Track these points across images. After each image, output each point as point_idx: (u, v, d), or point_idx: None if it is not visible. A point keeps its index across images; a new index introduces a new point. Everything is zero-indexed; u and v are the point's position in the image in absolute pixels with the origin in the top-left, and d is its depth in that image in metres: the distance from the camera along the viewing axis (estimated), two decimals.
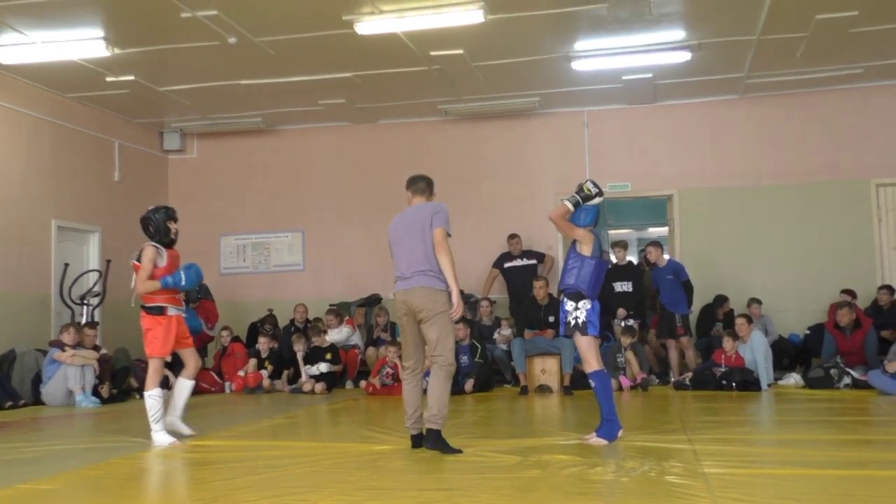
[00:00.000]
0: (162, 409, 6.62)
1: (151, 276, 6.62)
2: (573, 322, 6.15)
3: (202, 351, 12.52)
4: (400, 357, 11.13)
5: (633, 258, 13.16)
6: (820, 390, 9.83)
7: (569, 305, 6.19)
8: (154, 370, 6.64)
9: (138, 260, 6.70)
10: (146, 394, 6.60)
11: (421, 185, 6.17)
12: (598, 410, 6.22)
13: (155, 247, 6.74)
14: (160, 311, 6.65)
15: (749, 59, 10.70)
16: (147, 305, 6.68)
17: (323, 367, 11.15)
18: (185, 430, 6.86)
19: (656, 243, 11.43)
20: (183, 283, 6.71)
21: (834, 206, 12.09)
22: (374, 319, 12.38)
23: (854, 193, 12.07)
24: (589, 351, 6.20)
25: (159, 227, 6.79)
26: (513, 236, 12.29)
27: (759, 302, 11.56)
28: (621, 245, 11.89)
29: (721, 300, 11.82)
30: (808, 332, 11.46)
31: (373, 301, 12.80)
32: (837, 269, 11.85)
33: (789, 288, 12.06)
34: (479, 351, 10.66)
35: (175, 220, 6.92)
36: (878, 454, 5.62)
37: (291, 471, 5.26)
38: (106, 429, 7.71)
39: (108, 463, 5.65)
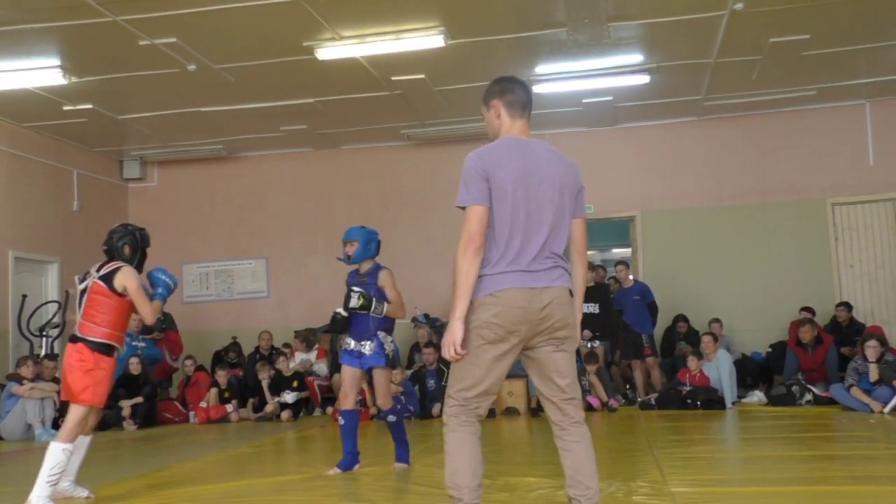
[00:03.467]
0: (64, 470, 5.10)
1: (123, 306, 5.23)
2: (392, 355, 6.18)
3: (167, 382, 12.37)
4: (368, 383, 11.15)
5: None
6: (782, 407, 9.94)
7: (385, 338, 6.17)
8: (79, 419, 5.08)
9: (105, 280, 5.20)
10: (58, 445, 4.98)
11: (529, 98, 3.77)
12: None
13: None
14: (110, 350, 5.22)
15: (706, 81, 10.88)
16: (93, 340, 5.17)
17: (290, 398, 11.05)
18: (83, 492, 5.50)
19: (625, 263, 11.64)
20: (172, 286, 5.54)
21: (792, 226, 12.28)
22: (339, 345, 12.31)
23: (811, 213, 12.27)
24: (389, 386, 6.22)
25: (137, 247, 5.45)
26: None
27: (719, 322, 11.68)
28: (588, 267, 11.97)
29: (678, 318, 11.94)
30: (769, 349, 11.60)
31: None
32: (796, 288, 12.01)
33: (750, 306, 12.20)
34: (446, 375, 10.62)
35: (149, 245, 5.62)
36: (841, 469, 5.68)
37: (261, 500, 5.19)
38: None
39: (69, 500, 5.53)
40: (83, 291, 5.30)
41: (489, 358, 3.44)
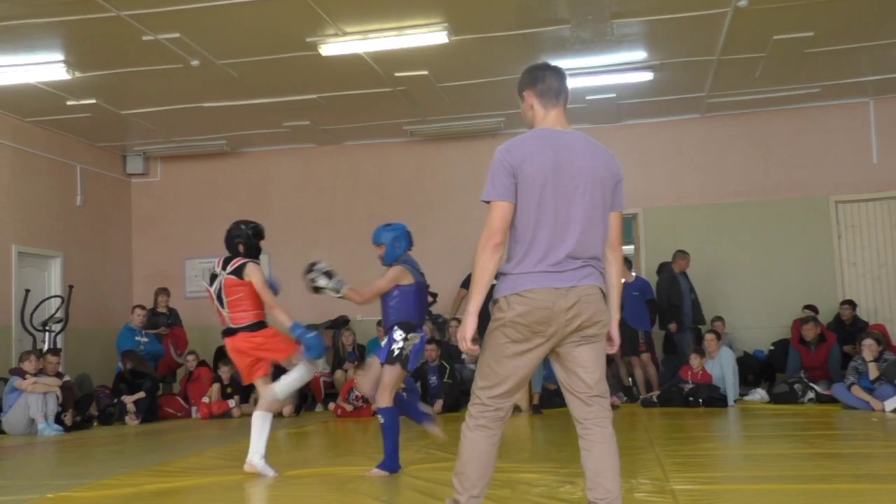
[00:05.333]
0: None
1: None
2: (397, 352, 5.87)
3: (171, 377, 12.40)
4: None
5: None
6: (784, 405, 9.94)
7: (397, 335, 5.91)
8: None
9: (236, 274, 5.97)
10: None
11: (563, 85, 3.64)
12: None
13: (257, 263, 6.08)
14: (263, 325, 6.12)
15: (710, 78, 10.86)
16: (248, 324, 6.03)
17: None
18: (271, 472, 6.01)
19: (627, 259, 11.62)
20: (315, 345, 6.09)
21: (795, 223, 12.26)
22: (341, 341, 12.34)
23: (814, 210, 12.26)
24: (392, 385, 5.92)
25: (250, 243, 6.11)
26: None
27: (721, 319, 11.66)
28: None
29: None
30: (772, 347, 11.59)
31: (340, 323, 12.74)
32: (799, 286, 12.00)
33: (752, 304, 12.19)
34: (448, 371, 10.66)
35: (263, 237, 6.22)
36: (842, 467, 5.68)
37: (261, 495, 5.20)
38: (68, 457, 7.58)
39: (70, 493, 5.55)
40: (218, 290, 6.02)
41: (512, 357, 3.37)
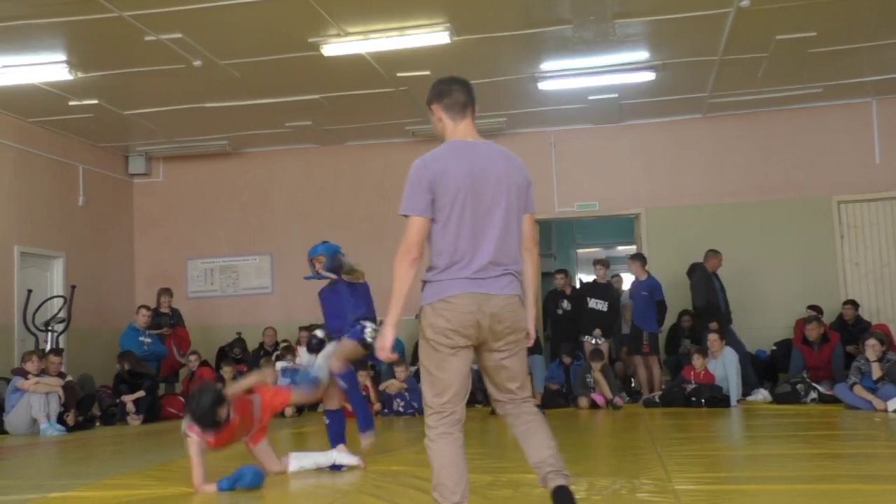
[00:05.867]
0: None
1: None
2: (370, 340, 6.13)
3: (174, 377, 12.40)
4: (373, 379, 11.13)
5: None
6: (787, 405, 9.92)
7: (370, 325, 6.21)
8: None
9: None
10: None
11: (470, 98, 3.78)
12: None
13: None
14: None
15: (712, 79, 10.86)
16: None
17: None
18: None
19: (638, 256, 11.55)
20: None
21: (797, 224, 12.25)
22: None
23: (816, 211, 12.25)
24: (348, 355, 6.16)
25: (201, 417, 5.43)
26: None
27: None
28: (602, 263, 11.85)
29: (682, 314, 11.89)
30: (774, 347, 11.58)
31: None
32: (801, 286, 11.99)
33: (754, 304, 12.17)
34: None
35: (220, 405, 5.42)
36: (845, 468, 5.67)
37: (262, 495, 5.20)
38: (71, 457, 7.58)
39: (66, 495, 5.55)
40: None
41: (448, 360, 3.47)
